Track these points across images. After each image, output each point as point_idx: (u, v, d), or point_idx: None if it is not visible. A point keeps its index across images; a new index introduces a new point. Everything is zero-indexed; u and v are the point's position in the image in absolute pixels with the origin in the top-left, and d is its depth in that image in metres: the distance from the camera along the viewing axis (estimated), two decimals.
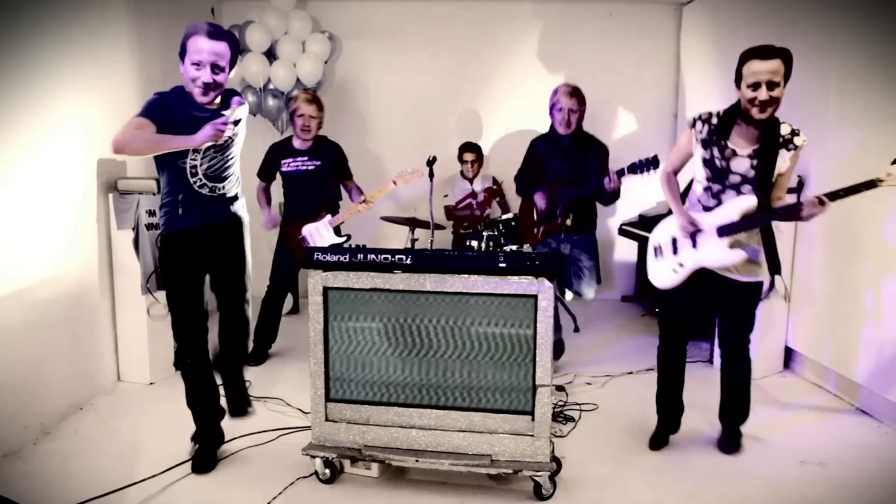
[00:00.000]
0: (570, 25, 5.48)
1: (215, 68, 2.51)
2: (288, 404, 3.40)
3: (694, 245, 2.73)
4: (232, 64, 2.60)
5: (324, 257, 2.59)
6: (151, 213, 3.60)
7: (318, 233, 3.95)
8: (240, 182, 2.89)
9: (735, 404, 2.91)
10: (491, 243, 4.26)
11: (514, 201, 4.88)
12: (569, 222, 3.76)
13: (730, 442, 2.92)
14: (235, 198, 2.85)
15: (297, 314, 5.13)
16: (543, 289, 2.45)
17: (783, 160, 2.57)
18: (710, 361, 4.07)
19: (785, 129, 2.58)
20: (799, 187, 3.77)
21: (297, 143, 4.01)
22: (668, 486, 2.68)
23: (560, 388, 3.63)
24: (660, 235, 2.91)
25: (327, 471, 2.66)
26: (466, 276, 2.51)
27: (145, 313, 3.64)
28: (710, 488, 2.66)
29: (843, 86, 3.45)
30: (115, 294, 3.66)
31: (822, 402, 3.51)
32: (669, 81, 5.54)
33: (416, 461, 2.56)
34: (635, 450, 2.99)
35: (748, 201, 2.57)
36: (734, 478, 2.74)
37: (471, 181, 5.05)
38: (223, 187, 2.76)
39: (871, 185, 2.39)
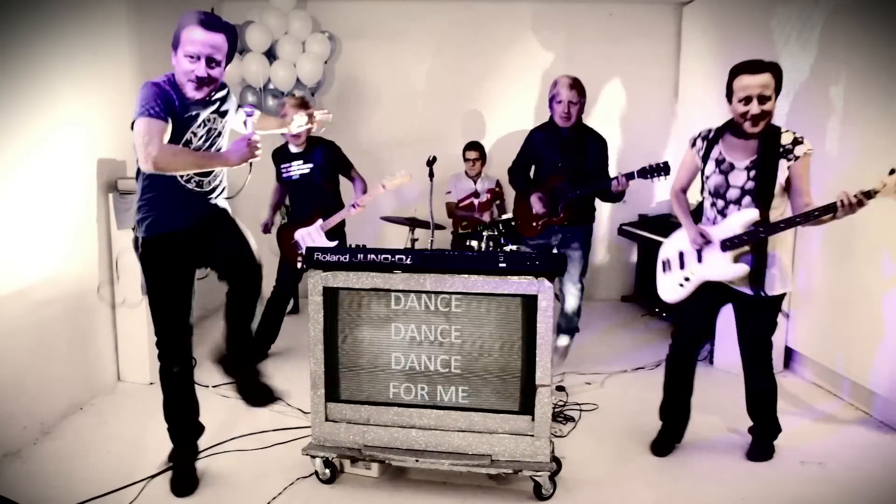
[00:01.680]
0: (570, 25, 5.48)
1: (211, 62, 2.30)
2: (288, 404, 3.40)
3: (699, 259, 2.74)
4: (229, 58, 2.39)
5: (324, 257, 2.59)
6: None
7: (310, 237, 3.96)
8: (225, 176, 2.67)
9: (757, 415, 2.88)
10: (491, 243, 4.27)
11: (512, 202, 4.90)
12: (563, 216, 3.75)
13: (757, 452, 2.88)
14: (216, 189, 2.60)
15: (297, 314, 5.13)
16: (543, 289, 2.45)
17: (782, 170, 2.54)
18: (711, 361, 4.07)
19: (787, 139, 2.55)
20: None
21: (291, 147, 4.03)
22: (668, 486, 2.68)
23: (560, 388, 3.63)
24: (668, 250, 2.92)
25: (327, 471, 2.67)
26: (466, 276, 2.51)
27: (145, 313, 3.64)
28: (710, 488, 2.66)
29: (846, 87, 3.44)
30: (115, 294, 3.66)
31: (821, 403, 3.51)
32: (669, 81, 5.54)
33: (416, 461, 2.56)
34: (635, 450, 2.99)
35: (749, 214, 2.57)
36: (734, 478, 2.74)
37: (474, 180, 5.07)
38: (210, 182, 2.55)
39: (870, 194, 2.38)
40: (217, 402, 3.44)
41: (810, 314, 3.75)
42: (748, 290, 2.66)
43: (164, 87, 2.34)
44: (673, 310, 2.99)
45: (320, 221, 3.95)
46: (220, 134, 2.54)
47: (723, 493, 2.62)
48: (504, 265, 2.49)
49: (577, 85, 3.63)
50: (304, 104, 3.91)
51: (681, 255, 2.84)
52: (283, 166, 4.04)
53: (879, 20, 3.20)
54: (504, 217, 4.41)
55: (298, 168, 4.00)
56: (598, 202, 3.91)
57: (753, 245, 2.59)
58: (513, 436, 2.54)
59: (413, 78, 5.58)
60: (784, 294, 2.69)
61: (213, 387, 3.63)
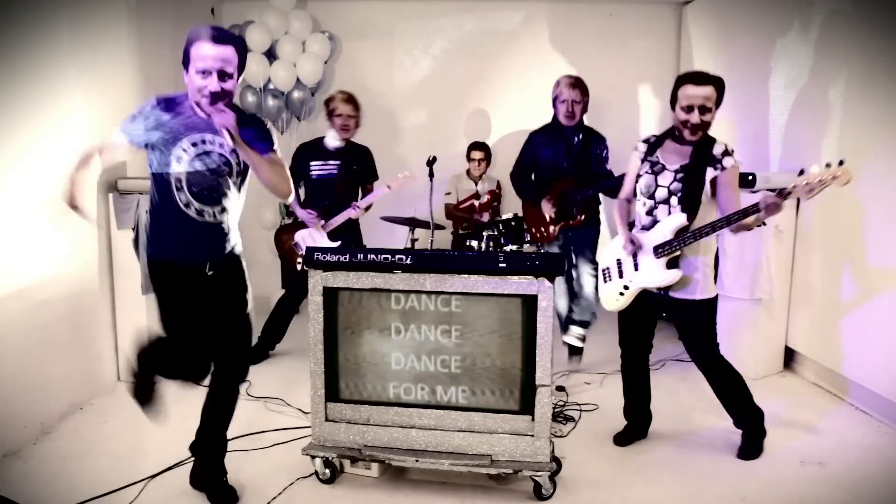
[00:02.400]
0: (571, 25, 5.48)
1: (223, 75, 2.29)
2: (288, 404, 3.41)
3: (636, 267, 2.80)
4: (240, 70, 2.37)
5: (324, 257, 2.59)
6: None
7: (311, 238, 3.94)
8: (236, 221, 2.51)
9: (732, 411, 2.91)
10: (491, 243, 4.27)
11: (511, 204, 4.89)
12: (581, 217, 3.77)
13: (745, 448, 2.90)
14: (224, 225, 2.44)
15: (297, 314, 5.12)
16: (543, 289, 2.45)
17: (708, 177, 2.63)
18: None
19: (718, 149, 2.65)
20: None
21: (329, 145, 3.98)
22: (668, 486, 2.68)
23: (560, 388, 3.63)
24: (606, 258, 2.98)
25: (327, 471, 2.67)
26: (466, 276, 2.51)
27: (145, 313, 3.64)
28: (710, 488, 2.66)
29: (846, 87, 3.44)
30: (115, 294, 3.66)
31: (821, 402, 3.51)
32: (669, 81, 5.50)
33: (416, 461, 2.56)
34: (635, 450, 2.99)
35: (678, 219, 2.64)
36: (734, 478, 2.74)
37: (476, 181, 5.05)
38: (214, 213, 2.38)
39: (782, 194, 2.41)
40: None
41: (810, 314, 3.75)
42: (682, 296, 2.71)
43: (162, 107, 2.33)
44: (619, 321, 3.01)
45: (322, 222, 3.95)
46: (231, 166, 2.40)
47: (722, 493, 2.62)
48: (504, 265, 2.49)
49: (579, 84, 3.67)
50: (351, 98, 3.93)
51: (619, 263, 2.89)
52: (314, 163, 3.96)
53: (879, 20, 3.20)
54: (505, 217, 4.41)
55: (335, 167, 3.95)
56: (601, 205, 3.92)
57: (684, 250, 2.67)
58: (513, 436, 2.54)
59: (413, 78, 5.58)
60: (715, 298, 2.74)
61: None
